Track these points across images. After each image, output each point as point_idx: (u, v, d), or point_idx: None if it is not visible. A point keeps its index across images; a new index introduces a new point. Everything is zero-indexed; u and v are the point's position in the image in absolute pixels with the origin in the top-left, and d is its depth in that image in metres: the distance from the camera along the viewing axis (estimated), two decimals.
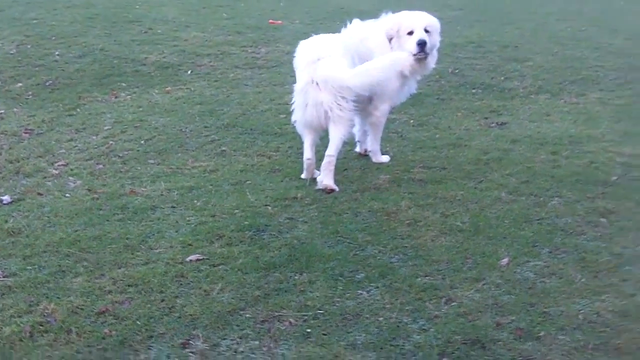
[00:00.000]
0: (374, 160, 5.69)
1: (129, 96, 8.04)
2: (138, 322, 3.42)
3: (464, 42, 10.20)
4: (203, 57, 9.36)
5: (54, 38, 10.23)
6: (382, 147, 5.80)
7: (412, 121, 6.95)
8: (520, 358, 3.19)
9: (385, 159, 5.71)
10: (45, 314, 3.49)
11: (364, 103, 5.49)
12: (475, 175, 5.34)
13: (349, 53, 5.15)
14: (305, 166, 5.24)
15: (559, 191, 5.01)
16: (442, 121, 6.96)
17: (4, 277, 3.86)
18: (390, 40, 5.46)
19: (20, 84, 8.45)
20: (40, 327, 3.39)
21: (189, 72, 8.90)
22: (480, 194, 4.94)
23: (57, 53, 9.59)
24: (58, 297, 3.64)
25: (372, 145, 5.72)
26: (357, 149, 5.93)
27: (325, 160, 5.05)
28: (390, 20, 5.55)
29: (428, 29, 5.38)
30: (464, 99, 7.79)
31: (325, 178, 5.02)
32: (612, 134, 6.34)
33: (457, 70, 8.83)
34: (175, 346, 3.25)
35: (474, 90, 8.15)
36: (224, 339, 3.33)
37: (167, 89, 8.29)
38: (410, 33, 5.39)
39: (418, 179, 5.26)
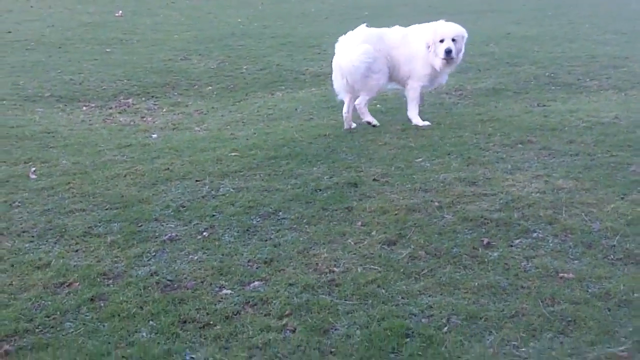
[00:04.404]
0: (413, 123, 8.36)
1: (281, 94, 11.54)
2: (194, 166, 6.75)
3: (585, 55, 12.40)
4: None
5: (247, 58, 14.18)
6: (426, 117, 8.45)
7: (472, 105, 9.58)
8: (372, 191, 6.00)
9: (423, 123, 8.19)
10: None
11: (404, 79, 8.36)
12: (465, 126, 7.96)
13: (374, 43, 8.06)
14: (344, 119, 8.29)
15: (511, 133, 7.50)
16: (497, 104, 9.49)
17: (122, 157, 7.43)
18: (428, 47, 8.19)
19: (210, 87, 12.34)
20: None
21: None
22: (451, 133, 7.61)
23: (245, 67, 13.48)
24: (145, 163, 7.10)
25: (409, 112, 8.45)
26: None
27: (357, 108, 8.05)
28: (429, 30, 8.12)
29: (455, 38, 7.86)
30: (538, 93, 10.16)
31: (365, 117, 8.04)
32: (619, 113, 8.50)
33: (552, 74, 11.16)
34: (193, 181, 6.51)
35: (553, 87, 10.46)
36: (223, 180, 6.52)
37: (312, 89, 11.70)
38: (442, 41, 7.92)
39: (422, 128, 8.03)
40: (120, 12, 20.81)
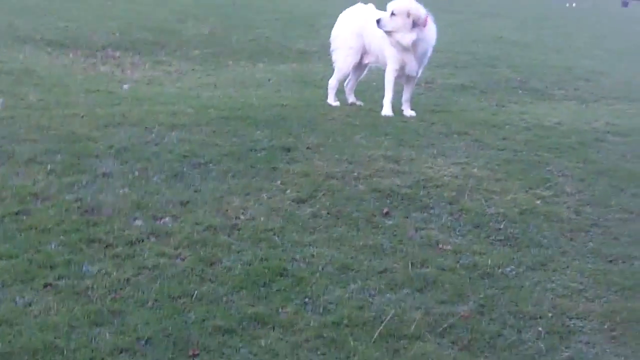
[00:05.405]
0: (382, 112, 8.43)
1: (262, 65, 12.10)
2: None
3: (563, 66, 12.94)
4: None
5: (240, 27, 14.78)
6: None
7: (435, 97, 10.10)
8: (302, 156, 6.55)
9: (387, 113, 8.34)
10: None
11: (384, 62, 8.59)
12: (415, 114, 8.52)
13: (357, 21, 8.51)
14: None
15: (452, 124, 8.04)
16: (459, 100, 10.04)
17: None
18: None
19: (197, 51, 12.90)
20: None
21: (318, 57, 12.80)
22: (397, 118, 8.16)
23: (235, 36, 14.08)
24: None
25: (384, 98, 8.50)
26: None
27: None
28: None
29: (394, 11, 7.98)
30: (504, 95, 10.67)
31: (329, 96, 8.64)
32: (563, 120, 9.07)
33: (524, 79, 11.69)
34: (143, 128, 7.09)
35: (520, 91, 11.00)
36: (171, 131, 7.10)
37: (293, 65, 12.27)
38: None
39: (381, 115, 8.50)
40: None
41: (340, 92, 8.79)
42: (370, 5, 8.47)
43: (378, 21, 7.98)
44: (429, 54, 8.14)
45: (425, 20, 7.87)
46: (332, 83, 8.65)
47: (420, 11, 7.90)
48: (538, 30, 18.63)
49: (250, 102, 8.36)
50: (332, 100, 8.59)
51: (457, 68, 12.10)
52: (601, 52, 15.65)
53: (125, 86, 9.20)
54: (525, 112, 9.04)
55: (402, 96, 8.40)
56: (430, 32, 7.95)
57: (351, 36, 8.51)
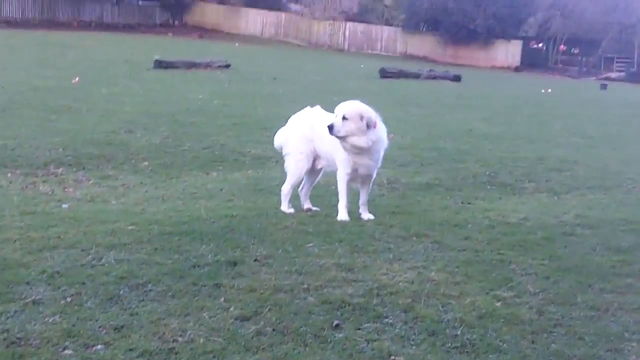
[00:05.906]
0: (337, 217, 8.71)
1: (216, 174, 12.37)
2: None
3: (534, 157, 13.33)
4: None
5: (193, 135, 15.09)
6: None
7: (397, 198, 10.39)
8: (249, 270, 6.71)
9: (342, 217, 8.63)
10: None
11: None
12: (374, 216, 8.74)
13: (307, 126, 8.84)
14: None
15: (411, 226, 8.27)
16: (423, 199, 10.31)
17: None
18: None
19: (145, 163, 13.15)
20: None
21: (275, 162, 13.10)
22: (354, 222, 8.38)
23: (187, 145, 14.37)
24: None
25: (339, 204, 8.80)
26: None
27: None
28: None
29: (346, 116, 8.23)
30: (471, 191, 10.97)
31: (282, 203, 8.88)
32: (529, 215, 9.32)
33: (493, 174, 12.04)
34: (79, 250, 7.23)
35: (489, 187, 11.31)
36: (109, 252, 7.24)
37: (248, 172, 12.55)
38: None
39: (338, 219, 8.74)
40: (77, 78, 21.82)
41: (295, 198, 8.96)
42: (318, 108, 8.76)
43: (330, 127, 8.19)
44: (382, 154, 8.38)
45: (376, 122, 8.10)
46: (285, 190, 8.89)
47: (371, 112, 8.17)
48: (510, 121, 19.20)
49: (197, 215, 8.53)
50: (285, 207, 8.82)
51: (422, 165, 12.43)
52: (577, 139, 16.14)
53: (65, 206, 9.37)
54: (490, 208, 9.28)
55: (359, 199, 8.57)
56: (382, 131, 8.21)
57: (301, 141, 8.75)
